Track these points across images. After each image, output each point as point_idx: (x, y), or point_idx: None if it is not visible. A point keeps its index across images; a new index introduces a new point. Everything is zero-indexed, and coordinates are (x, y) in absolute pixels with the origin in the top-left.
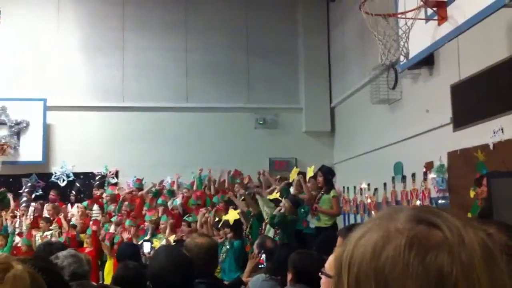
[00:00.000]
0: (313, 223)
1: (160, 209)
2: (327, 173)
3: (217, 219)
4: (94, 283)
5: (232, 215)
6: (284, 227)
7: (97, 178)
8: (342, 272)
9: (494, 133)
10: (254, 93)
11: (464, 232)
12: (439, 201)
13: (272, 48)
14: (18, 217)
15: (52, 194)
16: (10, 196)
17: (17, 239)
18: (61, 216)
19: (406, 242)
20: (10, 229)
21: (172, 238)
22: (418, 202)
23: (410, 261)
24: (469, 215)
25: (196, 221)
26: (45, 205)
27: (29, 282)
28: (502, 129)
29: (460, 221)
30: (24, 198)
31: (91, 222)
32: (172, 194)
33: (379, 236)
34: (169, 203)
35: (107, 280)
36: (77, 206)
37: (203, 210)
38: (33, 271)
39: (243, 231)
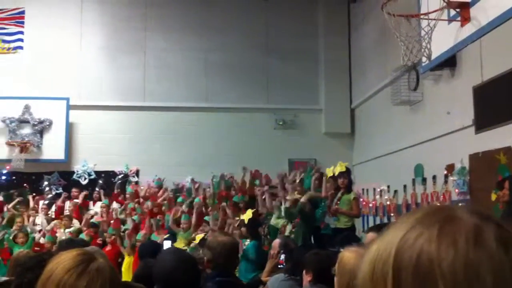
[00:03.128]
0: (332, 224)
1: (180, 208)
2: (350, 174)
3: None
4: None
5: (247, 215)
6: (305, 217)
7: (119, 176)
8: (379, 277)
9: None
10: (274, 94)
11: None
12: (460, 204)
13: (292, 49)
14: (39, 214)
15: (74, 191)
16: (30, 197)
17: (38, 236)
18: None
19: (437, 234)
20: (29, 227)
21: (198, 237)
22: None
23: (443, 255)
24: None
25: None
26: (67, 203)
27: (109, 275)
28: None
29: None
30: (49, 196)
31: (112, 221)
32: (190, 193)
33: (408, 233)
34: (183, 205)
35: (125, 277)
36: (100, 205)
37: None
38: (112, 265)
39: (260, 231)
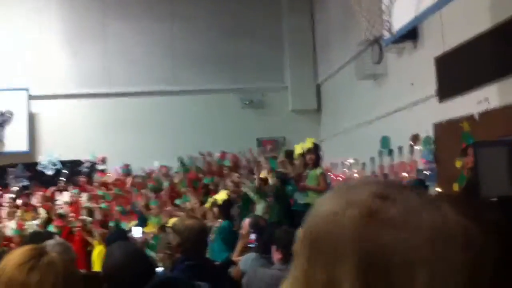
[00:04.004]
0: (301, 200)
1: (149, 194)
2: (319, 150)
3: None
4: (82, 270)
5: (220, 196)
6: (278, 197)
7: (86, 165)
8: (300, 245)
9: (479, 103)
10: (240, 74)
11: (419, 211)
12: (426, 173)
13: (257, 27)
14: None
15: (34, 185)
16: None
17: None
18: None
19: (360, 212)
20: None
21: (171, 221)
22: (405, 175)
23: (358, 232)
24: (456, 185)
25: (188, 202)
26: (33, 195)
27: (62, 269)
28: (487, 99)
29: (419, 200)
30: (15, 189)
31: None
32: (158, 178)
33: (337, 204)
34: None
35: (96, 266)
36: (70, 195)
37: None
38: (69, 260)
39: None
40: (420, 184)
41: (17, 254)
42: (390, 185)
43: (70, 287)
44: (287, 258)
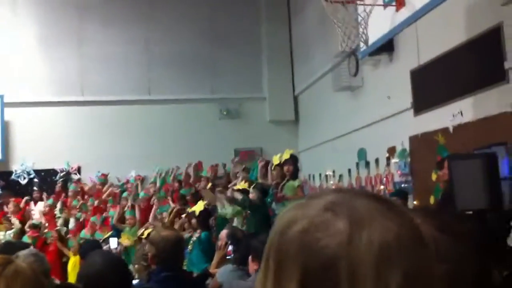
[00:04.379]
0: (279, 210)
1: (126, 203)
2: (297, 161)
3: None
4: (56, 281)
5: (198, 206)
6: (254, 213)
7: (61, 174)
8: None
9: (453, 116)
10: (218, 84)
11: (368, 227)
12: (402, 185)
13: (236, 38)
14: None
15: (5, 195)
16: None
17: None
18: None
19: (306, 225)
20: None
21: (146, 232)
22: (382, 187)
23: (303, 245)
24: (432, 198)
25: (165, 212)
26: (5, 204)
27: (29, 278)
28: (461, 112)
29: (374, 214)
30: None
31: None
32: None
33: (292, 216)
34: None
35: (71, 277)
36: (44, 205)
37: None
38: (39, 270)
39: (211, 222)
40: (400, 194)
41: None
42: (347, 196)
43: None
44: None
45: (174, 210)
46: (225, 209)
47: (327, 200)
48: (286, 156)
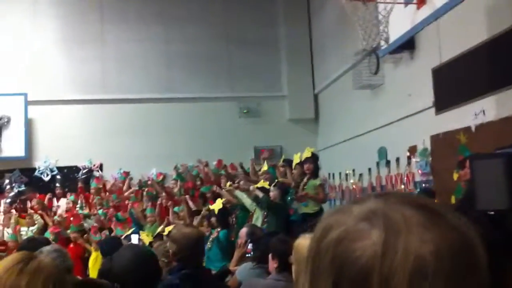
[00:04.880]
0: (300, 209)
1: (146, 201)
2: (317, 160)
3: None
4: (78, 277)
5: (216, 205)
6: (275, 212)
7: (83, 171)
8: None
9: (475, 115)
10: (237, 83)
11: (405, 239)
12: (423, 185)
13: (253, 37)
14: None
15: (29, 192)
16: None
17: (6, 235)
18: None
19: (342, 233)
20: None
21: (167, 230)
22: (402, 187)
23: (336, 255)
24: (453, 197)
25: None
26: (28, 200)
27: (50, 273)
28: (483, 111)
29: (413, 225)
30: (11, 194)
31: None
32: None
33: (329, 222)
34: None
35: (92, 273)
36: (66, 202)
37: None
38: (62, 266)
39: (230, 221)
40: (426, 194)
41: (8, 259)
42: (388, 204)
43: None
44: (282, 267)
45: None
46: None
47: (366, 207)
48: (307, 154)
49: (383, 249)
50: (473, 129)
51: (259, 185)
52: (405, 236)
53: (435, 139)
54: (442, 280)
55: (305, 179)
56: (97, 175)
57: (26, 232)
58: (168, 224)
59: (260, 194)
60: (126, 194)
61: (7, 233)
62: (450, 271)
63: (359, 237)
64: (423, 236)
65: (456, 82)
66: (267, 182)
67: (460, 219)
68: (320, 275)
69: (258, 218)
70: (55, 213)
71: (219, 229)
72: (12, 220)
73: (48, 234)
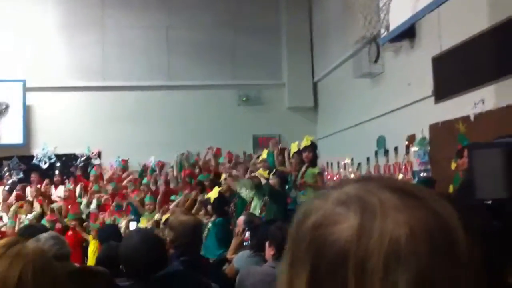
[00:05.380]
0: (298, 198)
1: (144, 190)
2: (315, 149)
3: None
4: (76, 264)
5: (213, 193)
6: (276, 200)
7: (81, 159)
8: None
9: (475, 104)
10: (237, 70)
11: (380, 222)
12: (421, 174)
13: (255, 24)
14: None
15: (33, 176)
16: None
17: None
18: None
19: (319, 218)
20: None
21: (164, 217)
22: (400, 176)
23: (313, 239)
24: (451, 187)
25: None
26: (28, 188)
27: (32, 259)
28: (483, 101)
29: (390, 207)
30: (9, 181)
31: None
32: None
33: (308, 207)
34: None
35: (91, 261)
36: (64, 190)
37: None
38: (51, 252)
39: (227, 209)
40: (427, 183)
41: None
42: (366, 188)
43: (41, 278)
44: (280, 254)
45: (192, 198)
46: (247, 191)
47: (344, 192)
48: (306, 143)
49: (358, 232)
50: (472, 118)
51: (258, 174)
52: (380, 219)
53: (434, 128)
54: (415, 261)
55: (303, 168)
56: (96, 163)
57: (24, 219)
58: (166, 212)
59: (264, 180)
60: (124, 182)
61: (7, 220)
62: (424, 253)
63: (336, 221)
64: (398, 218)
65: (456, 71)
66: (266, 171)
67: (438, 201)
68: (299, 259)
69: (256, 207)
70: (52, 201)
71: (214, 217)
72: (12, 208)
73: (45, 222)
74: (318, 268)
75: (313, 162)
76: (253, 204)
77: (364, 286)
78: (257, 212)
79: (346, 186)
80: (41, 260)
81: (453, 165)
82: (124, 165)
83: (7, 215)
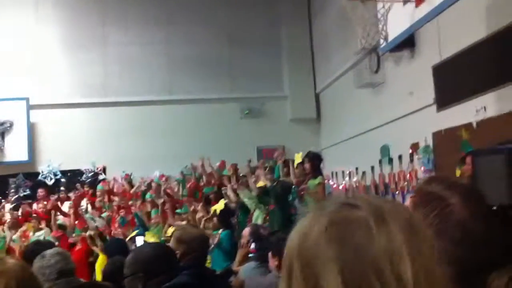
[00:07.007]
0: (301, 209)
1: (149, 204)
2: (314, 159)
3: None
4: (81, 279)
5: (218, 205)
6: (281, 207)
7: (89, 175)
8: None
9: (477, 111)
10: (239, 83)
11: (386, 210)
12: None
13: (256, 37)
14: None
15: (40, 192)
16: None
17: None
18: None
19: (328, 221)
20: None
21: (169, 231)
22: (405, 184)
23: (331, 238)
24: None
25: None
26: (34, 204)
27: (15, 276)
28: (484, 108)
29: (385, 202)
30: (13, 199)
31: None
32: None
33: (308, 222)
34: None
35: (99, 276)
36: (69, 206)
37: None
38: (27, 267)
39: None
40: None
41: None
42: (357, 196)
43: None
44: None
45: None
46: (250, 200)
47: (339, 200)
48: (298, 160)
49: (370, 228)
50: (474, 125)
51: (259, 184)
52: (389, 216)
53: (437, 135)
54: (415, 259)
55: (306, 179)
56: (102, 178)
57: (31, 236)
58: (169, 225)
59: (269, 184)
60: (131, 192)
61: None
62: (422, 253)
63: (348, 221)
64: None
65: (456, 79)
66: (267, 182)
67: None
68: (317, 268)
69: (258, 217)
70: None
71: (221, 230)
72: (25, 228)
73: (50, 238)
74: (347, 265)
75: (316, 173)
76: (255, 215)
77: None
78: (259, 223)
79: (338, 197)
80: (23, 275)
81: (458, 172)
82: (128, 179)
83: (10, 230)
